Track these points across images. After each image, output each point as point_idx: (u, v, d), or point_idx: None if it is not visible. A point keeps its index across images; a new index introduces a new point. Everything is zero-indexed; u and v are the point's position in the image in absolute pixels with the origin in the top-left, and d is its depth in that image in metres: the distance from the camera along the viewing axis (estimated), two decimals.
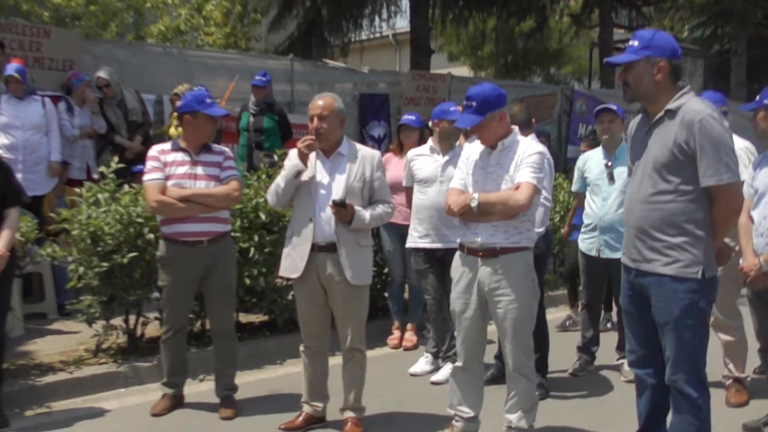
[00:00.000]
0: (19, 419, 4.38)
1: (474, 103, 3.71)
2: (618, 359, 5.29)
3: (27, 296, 6.17)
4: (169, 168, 4.40)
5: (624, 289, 3.48)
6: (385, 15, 14.06)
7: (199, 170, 4.42)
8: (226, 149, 4.67)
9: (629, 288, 3.43)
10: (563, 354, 5.39)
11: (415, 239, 5.18)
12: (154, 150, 4.49)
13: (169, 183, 4.37)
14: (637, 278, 3.35)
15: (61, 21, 9.93)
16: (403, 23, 16.93)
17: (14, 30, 7.66)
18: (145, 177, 4.42)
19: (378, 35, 17.80)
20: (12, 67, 6.49)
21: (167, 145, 4.55)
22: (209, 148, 4.50)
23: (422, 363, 5.39)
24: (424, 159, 5.22)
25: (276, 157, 6.65)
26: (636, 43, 3.26)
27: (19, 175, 6.20)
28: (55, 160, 6.75)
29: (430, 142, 5.29)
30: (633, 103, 3.46)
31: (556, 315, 6.48)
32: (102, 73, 7.47)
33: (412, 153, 5.32)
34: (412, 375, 5.30)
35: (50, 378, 4.80)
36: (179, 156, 4.44)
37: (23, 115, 6.53)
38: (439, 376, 5.14)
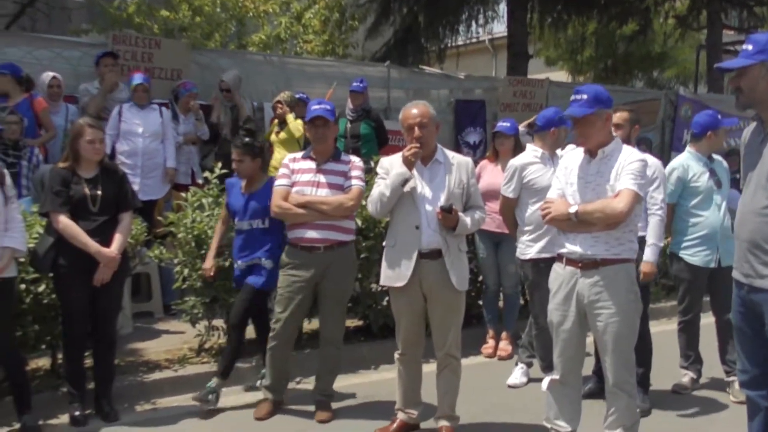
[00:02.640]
0: (129, 414, 4.61)
1: (585, 96, 3.61)
2: (727, 377, 5.04)
3: (135, 295, 6.47)
4: (296, 175, 4.55)
5: (736, 306, 3.31)
6: (481, 20, 13.96)
7: (323, 178, 4.52)
8: (356, 159, 4.72)
9: (741, 304, 3.26)
10: (667, 369, 5.18)
11: (532, 250, 4.94)
12: (287, 157, 4.71)
13: (294, 189, 4.50)
14: (749, 294, 3.18)
15: (170, 33, 10.38)
16: (500, 28, 16.78)
17: (128, 42, 8.07)
18: (275, 183, 4.61)
19: (474, 40, 17.69)
20: (139, 77, 6.85)
21: (299, 154, 4.72)
22: (338, 157, 4.60)
23: (518, 374, 5.30)
24: (536, 168, 4.99)
25: (372, 164, 6.70)
26: (750, 47, 3.10)
27: (137, 180, 6.60)
28: (170, 166, 7.08)
29: (533, 149, 5.14)
30: (746, 110, 3.29)
31: (658, 328, 6.23)
32: (226, 77, 7.77)
33: (519, 161, 5.06)
34: (509, 387, 5.23)
35: (156, 375, 5.02)
36: (306, 164, 4.57)
37: (143, 123, 6.88)
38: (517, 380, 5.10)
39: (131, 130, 6.86)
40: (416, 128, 4.03)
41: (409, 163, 4.02)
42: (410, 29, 12.77)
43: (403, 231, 4.08)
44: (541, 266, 4.80)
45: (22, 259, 4.45)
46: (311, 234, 4.46)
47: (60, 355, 4.86)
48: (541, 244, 4.89)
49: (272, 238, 4.76)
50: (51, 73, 7.09)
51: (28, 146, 6.36)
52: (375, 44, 12.74)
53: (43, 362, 5.11)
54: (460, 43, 15.20)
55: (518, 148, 5.85)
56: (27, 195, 6.05)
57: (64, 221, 4.32)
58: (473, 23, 13.88)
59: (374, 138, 8.00)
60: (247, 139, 4.85)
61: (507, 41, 13.05)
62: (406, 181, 4.04)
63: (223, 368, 4.77)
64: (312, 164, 4.56)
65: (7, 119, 6.10)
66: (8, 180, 4.32)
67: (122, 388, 4.68)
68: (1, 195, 4.18)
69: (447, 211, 3.95)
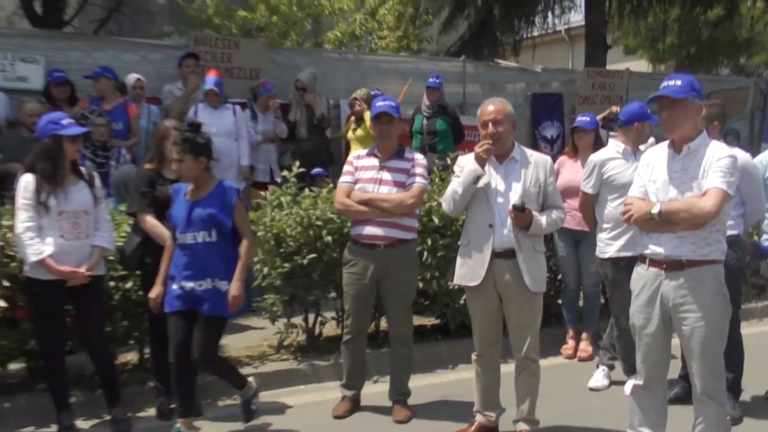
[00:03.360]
0: (212, 409, 4.74)
1: (679, 82, 3.49)
2: None
3: None
4: (359, 172, 4.58)
5: None
6: (558, 11, 13.68)
7: (385, 175, 4.52)
8: (419, 156, 4.70)
9: None
10: (760, 374, 4.95)
11: (612, 249, 4.82)
12: (351, 155, 4.74)
13: (357, 186, 4.53)
14: None
15: (247, 32, 10.58)
16: (577, 17, 16.40)
17: (208, 43, 8.28)
18: (339, 180, 4.64)
19: (550, 31, 17.35)
20: (211, 81, 7.02)
21: (364, 151, 4.73)
22: (401, 154, 4.60)
23: (600, 377, 5.18)
24: (617, 163, 4.87)
25: (449, 160, 6.66)
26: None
27: None
28: (244, 164, 7.23)
29: (615, 144, 5.01)
30: None
31: (749, 330, 5.97)
32: (302, 75, 7.88)
33: (598, 157, 4.94)
34: (590, 389, 5.12)
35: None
36: (369, 161, 4.59)
37: (217, 123, 7.04)
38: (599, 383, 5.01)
39: (206, 130, 6.99)
40: (490, 125, 3.99)
41: (480, 159, 3.98)
42: (485, 22, 12.62)
43: (477, 229, 4.04)
44: (622, 265, 4.68)
45: (111, 258, 4.62)
46: (372, 231, 4.47)
47: (147, 350, 5.03)
48: (621, 242, 4.77)
49: (223, 253, 4.12)
50: (135, 75, 7.34)
51: (116, 147, 6.60)
52: (449, 38, 12.66)
53: (131, 357, 5.30)
54: (535, 34, 14.94)
55: (598, 143, 5.72)
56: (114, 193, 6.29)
57: (150, 221, 4.47)
58: (549, 14, 13.62)
59: (450, 134, 7.95)
60: (187, 135, 4.21)
61: (585, 31, 12.75)
62: (477, 179, 4.00)
63: (183, 408, 4.24)
64: (375, 161, 4.57)
65: (95, 121, 6.36)
66: (97, 181, 4.50)
67: (205, 384, 4.80)
68: (91, 196, 4.35)
69: (519, 209, 3.88)
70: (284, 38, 10.86)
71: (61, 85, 6.88)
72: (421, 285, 5.56)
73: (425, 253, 5.56)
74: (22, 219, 4.11)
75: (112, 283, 4.77)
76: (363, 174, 4.56)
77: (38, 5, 9.61)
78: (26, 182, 4.15)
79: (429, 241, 5.61)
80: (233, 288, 4.09)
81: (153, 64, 8.01)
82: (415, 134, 8.09)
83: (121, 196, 5.92)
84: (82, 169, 4.44)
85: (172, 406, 4.53)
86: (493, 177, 4.03)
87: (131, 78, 7.27)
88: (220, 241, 4.12)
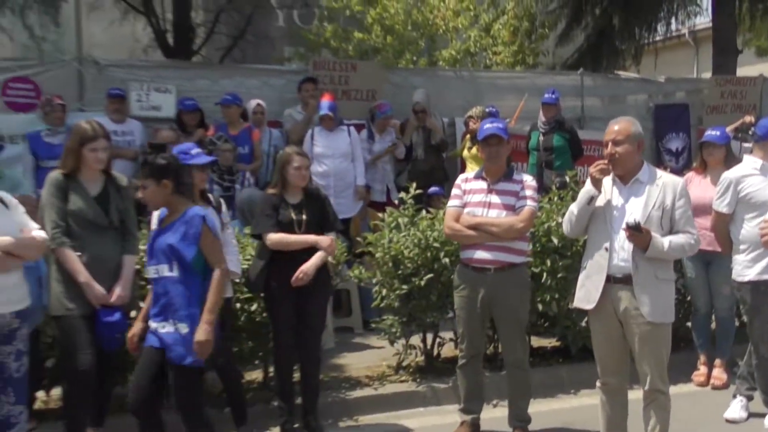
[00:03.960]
0: (333, 430, 4.82)
1: None
2: None
3: (336, 311, 6.77)
4: (467, 196, 4.55)
5: None
6: (682, 16, 13.07)
7: (494, 198, 4.47)
8: (528, 178, 4.64)
9: None
10: None
11: (751, 271, 4.51)
12: (459, 178, 4.72)
13: (465, 210, 4.51)
14: None
15: (363, 54, 10.78)
16: (702, 19, 15.62)
17: (326, 67, 8.51)
18: (448, 204, 4.63)
19: (673, 35, 16.61)
20: (325, 105, 7.22)
21: (472, 174, 4.71)
22: (510, 176, 4.55)
23: (737, 408, 4.86)
24: (755, 180, 4.56)
25: (567, 178, 6.51)
26: None
27: (330, 200, 6.92)
28: (360, 184, 7.37)
29: (752, 160, 4.69)
30: None
31: None
32: (419, 98, 7.97)
33: (734, 174, 4.65)
34: (727, 421, 4.83)
35: (358, 392, 5.21)
36: (477, 184, 4.56)
37: (333, 145, 7.23)
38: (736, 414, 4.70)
39: (322, 153, 7.22)
40: (609, 145, 3.87)
41: (594, 180, 3.86)
42: (603, 32, 12.26)
43: (594, 251, 3.92)
44: (762, 289, 4.41)
45: (237, 280, 4.81)
46: (482, 255, 4.42)
47: (271, 370, 5.19)
48: (763, 264, 4.46)
49: (185, 290, 3.66)
50: (255, 101, 7.64)
51: (241, 171, 6.89)
52: (566, 51, 12.39)
53: (256, 375, 5.48)
54: (657, 38, 14.34)
55: (730, 158, 5.42)
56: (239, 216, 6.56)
57: (274, 236, 4.59)
58: (672, 20, 13.04)
59: (568, 150, 7.77)
60: (147, 158, 3.91)
61: (712, 35, 12.11)
62: (591, 199, 3.88)
63: None
64: (483, 184, 4.52)
65: (222, 147, 6.66)
66: (224, 208, 4.70)
67: (326, 404, 4.90)
68: (218, 221, 4.54)
69: (634, 228, 3.70)
70: (399, 58, 10.99)
71: (191, 112, 7.28)
72: (540, 307, 5.45)
73: (544, 275, 5.44)
74: None
75: (238, 305, 4.95)
76: (471, 197, 4.53)
77: (170, 37, 10.20)
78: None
79: (548, 262, 5.48)
80: (199, 332, 3.59)
81: (274, 89, 8.31)
82: (532, 151, 7.95)
83: (246, 218, 6.16)
84: (210, 196, 4.65)
85: (296, 425, 4.65)
86: (614, 198, 3.90)
87: (252, 103, 7.57)
88: (183, 276, 3.66)
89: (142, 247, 4.68)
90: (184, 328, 3.61)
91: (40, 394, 4.77)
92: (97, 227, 4.16)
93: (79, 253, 4.05)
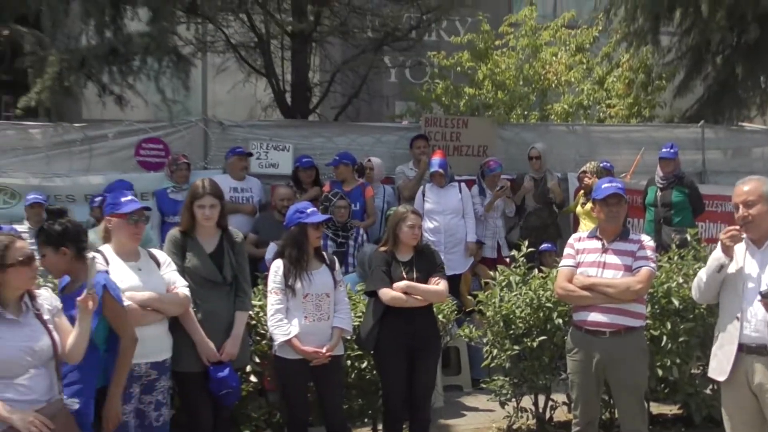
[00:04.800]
0: None
1: None
2: None
3: (445, 368, 6.70)
4: (580, 255, 4.46)
5: None
6: None
7: (609, 258, 4.35)
8: (646, 237, 4.52)
9: None
10: None
11: None
12: (572, 237, 4.65)
13: (579, 270, 4.41)
14: None
15: (474, 109, 10.85)
16: None
17: (438, 123, 8.64)
18: (560, 263, 4.55)
19: None
20: (436, 163, 7.31)
21: (585, 232, 4.63)
22: (626, 236, 4.43)
23: None
24: None
25: (688, 235, 6.24)
26: None
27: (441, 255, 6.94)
28: (471, 240, 7.35)
29: None
30: None
31: None
32: (538, 146, 7.95)
33: None
34: None
35: None
36: (591, 243, 4.46)
37: (444, 201, 7.28)
38: None
39: (433, 209, 7.26)
40: (740, 207, 3.69)
41: (724, 247, 3.68)
42: (726, 82, 11.78)
43: (726, 320, 3.74)
44: None
45: (348, 337, 4.88)
46: (596, 317, 4.28)
47: (380, 428, 5.18)
48: None
49: (78, 365, 3.39)
50: (368, 158, 7.82)
51: (354, 227, 7.04)
52: (685, 102, 11.97)
53: None
54: None
55: None
56: (353, 272, 6.67)
57: (387, 292, 4.64)
58: None
59: (688, 206, 7.49)
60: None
61: None
62: (722, 267, 3.70)
63: None
64: (598, 243, 4.41)
65: (337, 204, 6.84)
66: (337, 265, 4.81)
67: None
68: (332, 279, 4.65)
69: None
70: (509, 112, 10.99)
71: (307, 169, 7.55)
72: (660, 372, 5.20)
73: (664, 338, 5.19)
74: (273, 301, 4.49)
75: (348, 362, 5.01)
76: (585, 257, 4.42)
77: (289, 96, 10.66)
78: (277, 267, 4.55)
79: (668, 325, 5.24)
80: (105, 407, 3.50)
81: (387, 146, 8.50)
82: (648, 207, 7.71)
83: (365, 274, 6.26)
84: (324, 254, 4.78)
85: None
86: (747, 264, 3.70)
87: (367, 161, 7.76)
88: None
89: (256, 303, 4.86)
90: (74, 404, 3.40)
91: None
92: (212, 283, 4.34)
93: (194, 309, 4.23)
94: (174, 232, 4.45)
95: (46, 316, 3.23)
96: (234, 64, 11.39)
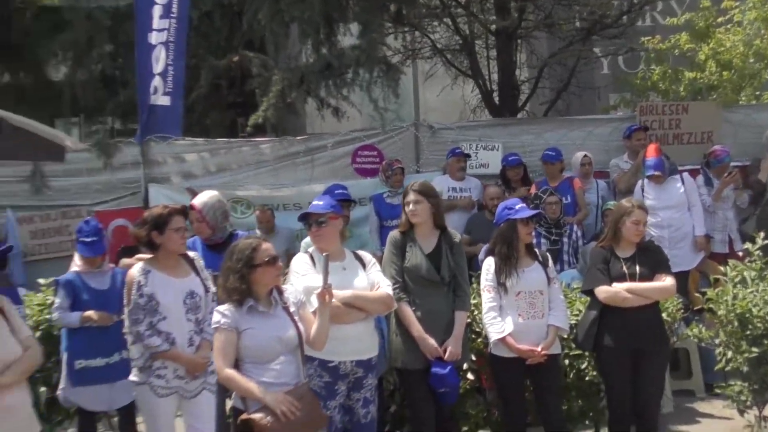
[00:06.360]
0: None
1: None
2: None
3: (674, 371, 6.27)
4: None
5: None
6: None
7: None
8: None
9: None
10: None
11: None
12: None
13: None
14: None
15: (697, 93, 10.10)
16: None
17: (654, 111, 8.14)
18: None
19: None
20: (651, 165, 6.81)
21: None
22: None
23: None
24: None
25: None
26: None
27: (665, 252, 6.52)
28: (699, 234, 6.84)
29: None
30: None
31: None
32: None
33: None
34: None
35: None
36: None
37: (665, 196, 6.86)
38: None
39: (654, 204, 6.77)
40: None
41: None
42: None
43: None
44: None
45: (565, 336, 4.74)
46: None
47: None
48: None
49: None
50: (582, 153, 7.55)
51: (568, 224, 6.83)
52: None
53: None
54: None
55: None
56: (567, 269, 6.48)
57: (604, 289, 4.45)
58: None
59: None
60: None
61: None
62: None
63: None
64: None
65: (548, 200, 6.68)
66: (550, 262, 4.68)
67: None
68: (545, 276, 4.54)
69: None
70: (737, 93, 10.06)
71: (515, 167, 7.47)
72: None
73: None
74: (486, 299, 4.49)
75: (566, 362, 4.87)
76: None
77: (496, 96, 10.64)
78: (488, 265, 4.55)
79: None
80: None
81: (599, 138, 8.16)
82: None
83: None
84: (536, 251, 4.69)
85: None
86: None
87: (578, 156, 7.51)
88: None
89: (473, 301, 4.87)
90: None
91: None
92: (430, 283, 4.41)
93: (413, 308, 4.33)
94: (394, 234, 4.59)
95: (292, 309, 3.61)
96: (441, 68, 11.59)
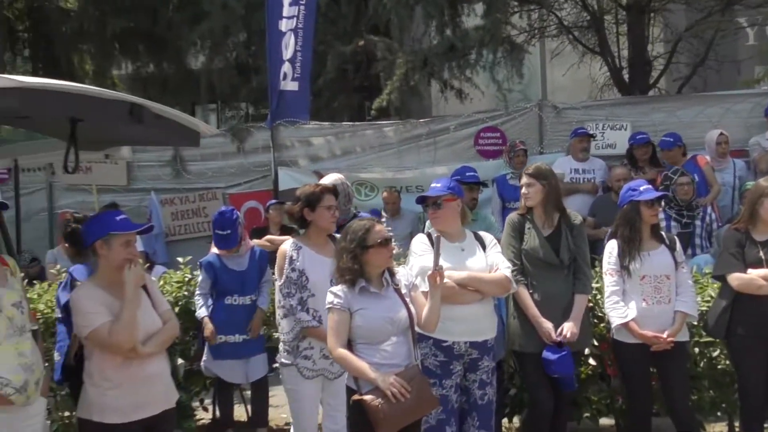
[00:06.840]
0: None
1: None
2: None
3: None
4: None
5: None
6: None
7: None
8: None
9: None
10: None
11: None
12: None
13: None
14: None
15: None
16: None
17: None
18: None
19: None
20: None
21: None
22: None
23: None
24: None
25: None
26: None
27: None
28: None
29: None
30: None
31: None
32: None
33: None
34: None
35: None
36: None
37: None
38: None
39: None
40: None
41: None
42: None
43: None
44: None
45: (695, 323, 4.54)
46: None
47: (737, 424, 4.74)
48: None
49: None
50: (717, 131, 7.16)
51: (701, 206, 6.49)
52: None
53: (720, 428, 5.05)
54: None
55: None
56: (699, 254, 6.17)
57: (737, 276, 4.22)
58: None
59: None
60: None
61: None
62: None
63: None
64: None
65: (679, 181, 6.35)
66: (678, 245, 4.49)
67: None
68: (671, 260, 4.36)
69: None
70: None
71: (642, 146, 7.18)
72: None
73: None
74: (608, 283, 4.37)
75: (696, 350, 4.67)
76: None
77: (626, 73, 10.23)
78: (611, 248, 4.42)
79: None
80: None
81: (738, 115, 7.72)
82: None
83: None
84: (663, 234, 4.51)
85: None
86: None
87: (713, 134, 7.13)
88: None
89: (595, 285, 4.75)
90: None
91: (504, 422, 5.10)
92: (548, 266, 4.33)
93: (530, 291, 4.30)
94: (513, 216, 4.55)
95: (403, 291, 3.62)
96: (569, 46, 11.27)
